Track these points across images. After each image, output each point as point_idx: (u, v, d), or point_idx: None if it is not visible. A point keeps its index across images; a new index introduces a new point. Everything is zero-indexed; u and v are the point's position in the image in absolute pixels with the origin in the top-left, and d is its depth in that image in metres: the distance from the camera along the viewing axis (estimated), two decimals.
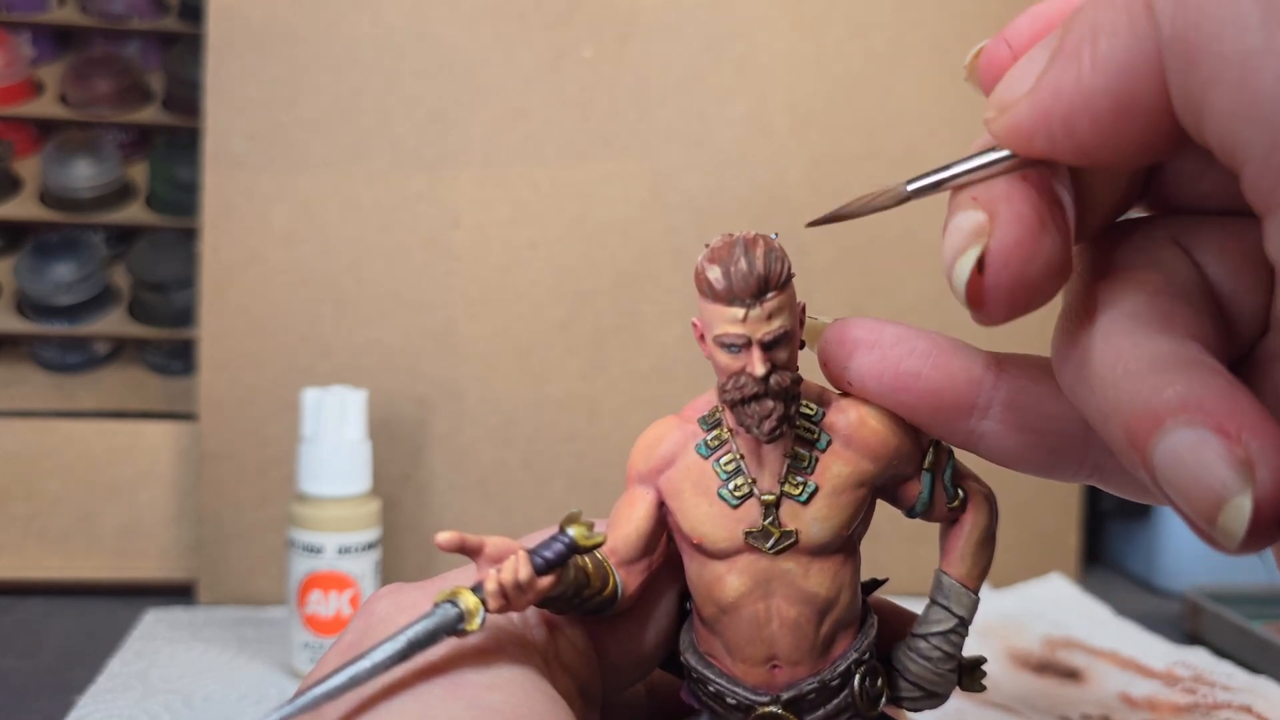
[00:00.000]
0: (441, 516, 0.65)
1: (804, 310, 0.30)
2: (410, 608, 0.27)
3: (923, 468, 0.31)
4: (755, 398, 0.28)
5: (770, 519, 0.29)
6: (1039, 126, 0.23)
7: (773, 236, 0.29)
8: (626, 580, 0.30)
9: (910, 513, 0.31)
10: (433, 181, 0.65)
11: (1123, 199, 0.27)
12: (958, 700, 0.50)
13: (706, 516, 0.29)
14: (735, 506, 0.29)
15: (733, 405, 0.29)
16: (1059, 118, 0.22)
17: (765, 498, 0.29)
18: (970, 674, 0.31)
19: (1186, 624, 0.63)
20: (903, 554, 0.69)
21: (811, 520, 0.29)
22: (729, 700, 0.30)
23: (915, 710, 0.32)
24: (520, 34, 0.65)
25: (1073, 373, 0.25)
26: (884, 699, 0.31)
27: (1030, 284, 0.25)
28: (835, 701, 0.30)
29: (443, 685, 0.26)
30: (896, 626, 0.32)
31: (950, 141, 0.69)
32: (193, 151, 0.69)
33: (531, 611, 0.29)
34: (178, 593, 0.65)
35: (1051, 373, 0.27)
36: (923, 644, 0.31)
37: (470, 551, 0.27)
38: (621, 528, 0.30)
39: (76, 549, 0.65)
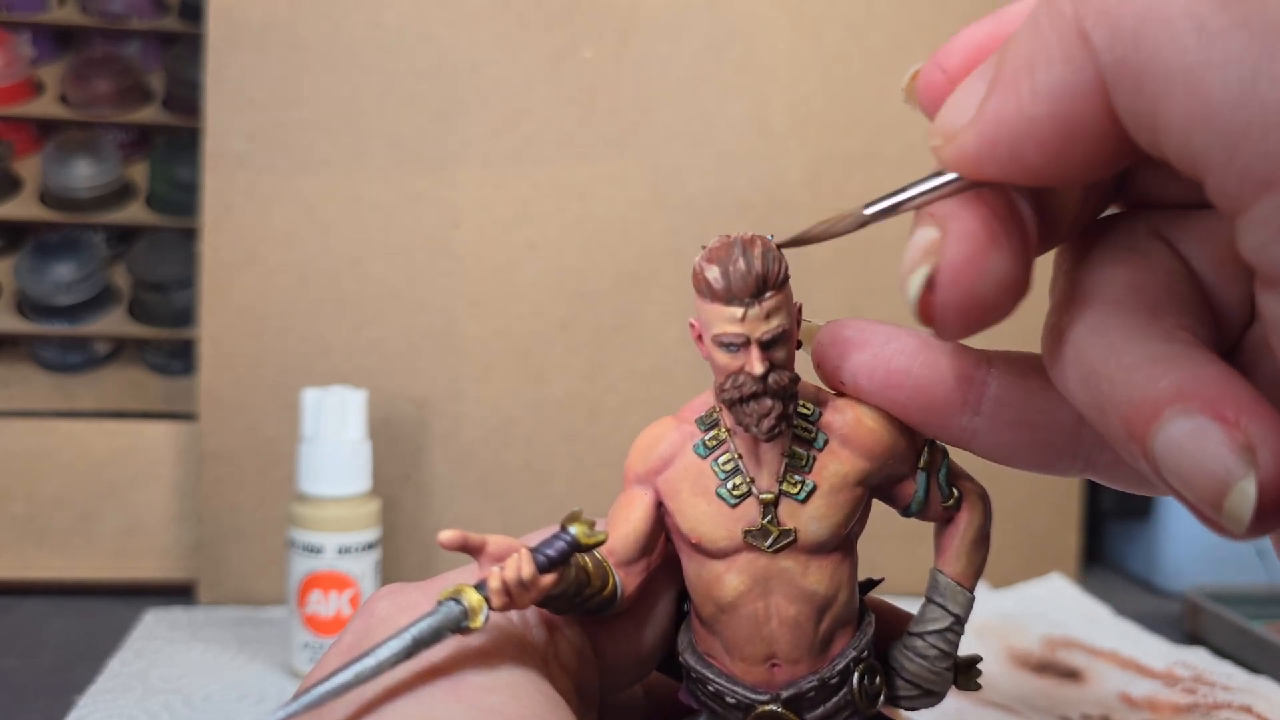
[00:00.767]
0: (441, 516, 0.65)
1: (800, 311, 0.30)
2: (411, 608, 0.27)
3: (918, 467, 0.30)
4: (754, 396, 0.28)
5: (769, 518, 0.29)
6: (986, 154, 0.23)
7: (769, 238, 0.29)
8: (625, 580, 0.30)
9: (906, 512, 0.31)
10: (433, 181, 0.65)
11: (1094, 205, 0.27)
12: (957, 700, 0.50)
13: (705, 516, 0.29)
14: (734, 505, 0.29)
15: (731, 404, 0.29)
16: (1005, 145, 0.23)
17: (764, 496, 0.29)
18: (966, 673, 0.32)
19: (1186, 624, 0.63)
20: (899, 553, 0.69)
21: (810, 519, 0.29)
22: (729, 699, 0.30)
23: (912, 709, 0.32)
24: (520, 34, 0.65)
25: (1065, 368, 0.25)
26: (882, 697, 0.31)
27: (982, 301, 0.25)
28: (834, 700, 0.30)
29: (444, 687, 0.26)
30: (893, 626, 0.32)
31: None
32: (193, 151, 0.69)
33: (531, 612, 0.29)
34: (178, 593, 0.65)
35: (1042, 368, 0.27)
36: (919, 643, 0.31)
37: (472, 550, 0.27)
38: (619, 528, 0.30)
39: (76, 549, 0.65)
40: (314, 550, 0.54)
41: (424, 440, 0.65)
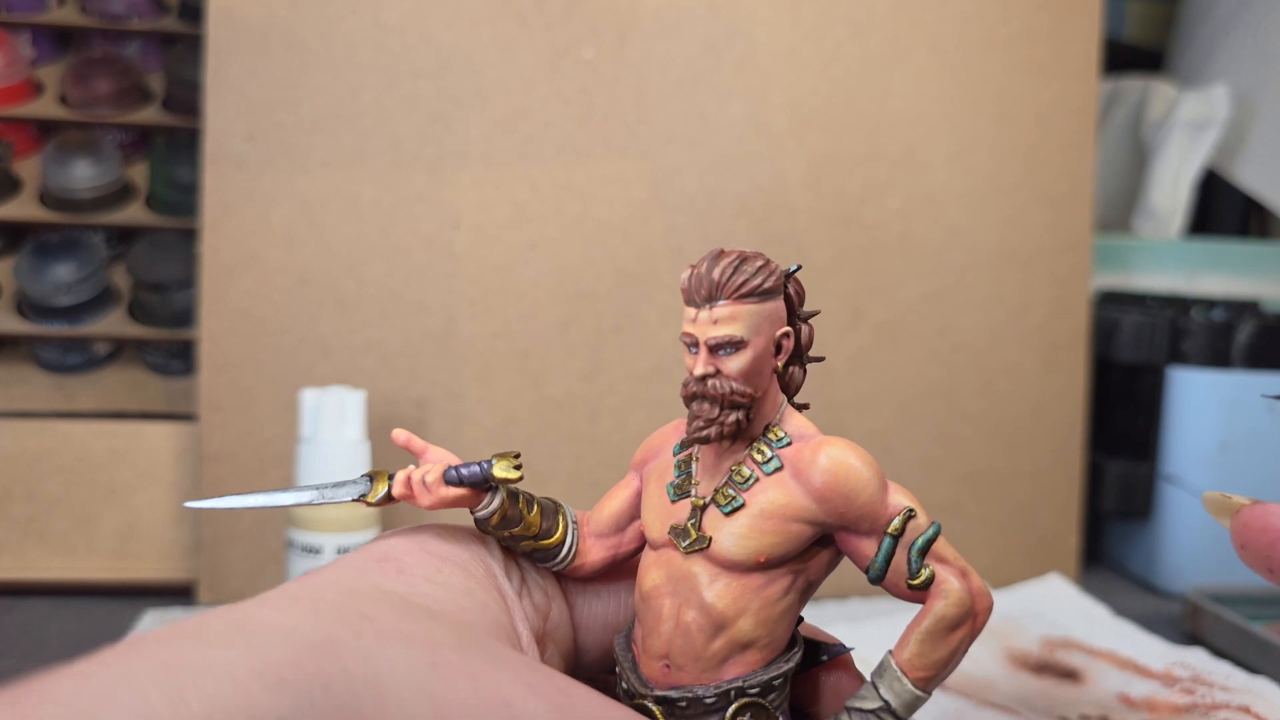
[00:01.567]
0: (441, 516, 0.65)
1: (790, 337, 0.31)
2: (399, 535, 0.33)
3: (886, 531, 0.30)
4: (695, 397, 0.29)
5: (693, 520, 0.30)
6: None
7: (793, 269, 0.31)
8: (588, 549, 0.33)
9: (868, 576, 0.30)
10: (433, 182, 0.65)
11: None
12: (957, 700, 0.50)
13: (652, 506, 0.31)
14: (674, 501, 0.31)
15: (685, 404, 0.30)
16: None
17: (696, 500, 0.30)
18: None
19: (1186, 624, 0.63)
20: None
21: (728, 534, 0.29)
22: (623, 684, 0.31)
23: None
24: (520, 34, 0.65)
25: None
26: None
27: None
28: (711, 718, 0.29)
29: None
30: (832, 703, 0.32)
31: (949, 141, 0.69)
32: (193, 152, 0.69)
33: (502, 563, 0.33)
34: (177, 593, 0.65)
35: None
36: (844, 715, 0.30)
37: (415, 451, 0.33)
38: (602, 503, 0.33)
39: (76, 550, 0.65)
40: (313, 550, 0.54)
41: (423, 440, 0.65)
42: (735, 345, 0.29)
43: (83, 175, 0.72)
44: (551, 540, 0.33)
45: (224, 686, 0.22)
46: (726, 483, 0.30)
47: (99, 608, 0.62)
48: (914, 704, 0.30)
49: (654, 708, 0.30)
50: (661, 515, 0.31)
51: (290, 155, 0.64)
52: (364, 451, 0.57)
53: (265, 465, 0.64)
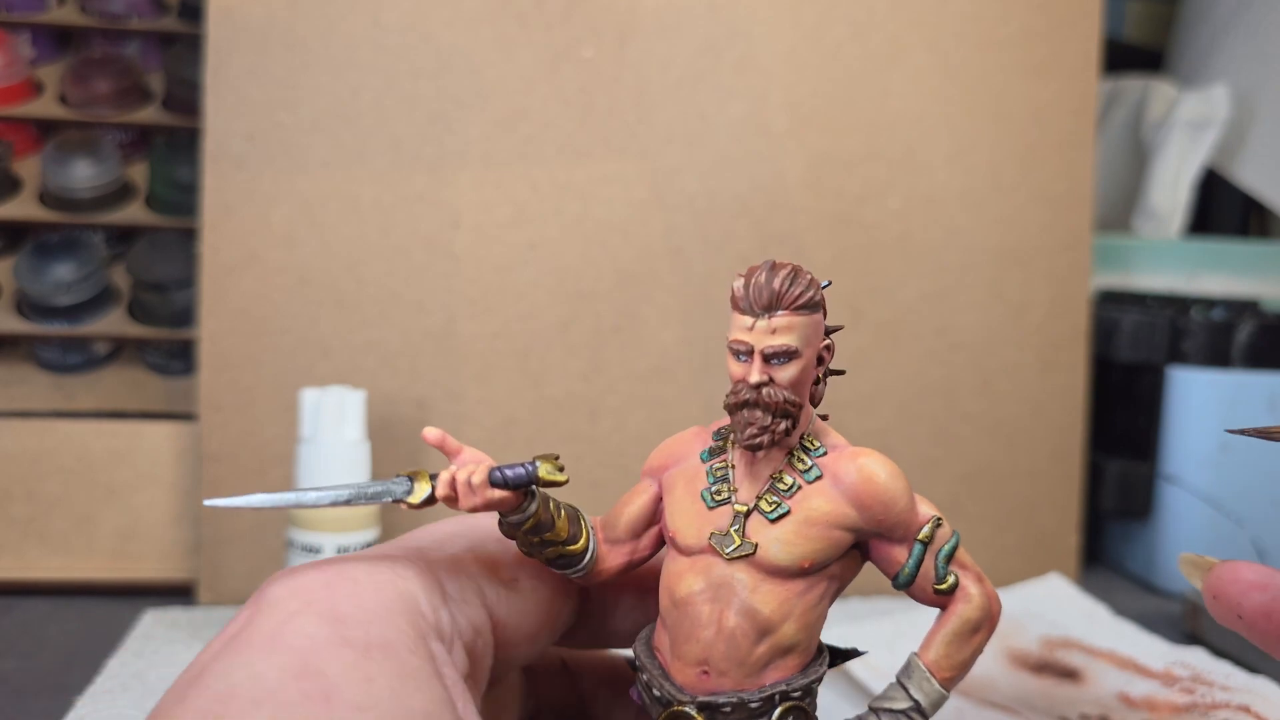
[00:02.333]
0: (440, 516, 0.65)
1: (830, 350, 0.32)
2: (304, 592, 0.28)
3: (916, 538, 0.31)
4: (747, 404, 0.30)
5: (736, 527, 0.30)
6: None
7: (824, 284, 0.32)
8: (605, 554, 0.33)
9: (895, 582, 0.32)
10: (433, 182, 0.65)
11: None
12: (957, 700, 0.50)
13: (684, 512, 0.31)
14: (711, 508, 0.31)
15: (730, 411, 0.30)
16: None
17: (738, 507, 0.30)
18: None
19: (1186, 624, 0.63)
20: None
21: (773, 540, 0.30)
22: (654, 691, 0.31)
23: None
24: (520, 34, 0.65)
25: None
26: None
27: None
28: None
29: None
30: None
31: (948, 141, 0.69)
32: (193, 151, 0.69)
33: (431, 593, 0.31)
34: (177, 593, 0.65)
35: None
36: (873, 717, 0.31)
37: (449, 452, 0.31)
38: (617, 509, 0.33)
39: (76, 550, 0.65)
40: (313, 550, 0.54)
41: (423, 441, 0.65)
42: (789, 355, 0.30)
43: (83, 175, 0.72)
44: (576, 547, 0.32)
45: None
46: (769, 490, 0.31)
47: (99, 608, 0.62)
48: (939, 703, 0.31)
49: (695, 714, 0.30)
50: (697, 522, 0.31)
51: (290, 155, 0.64)
52: (364, 451, 0.57)
53: (265, 465, 0.64)
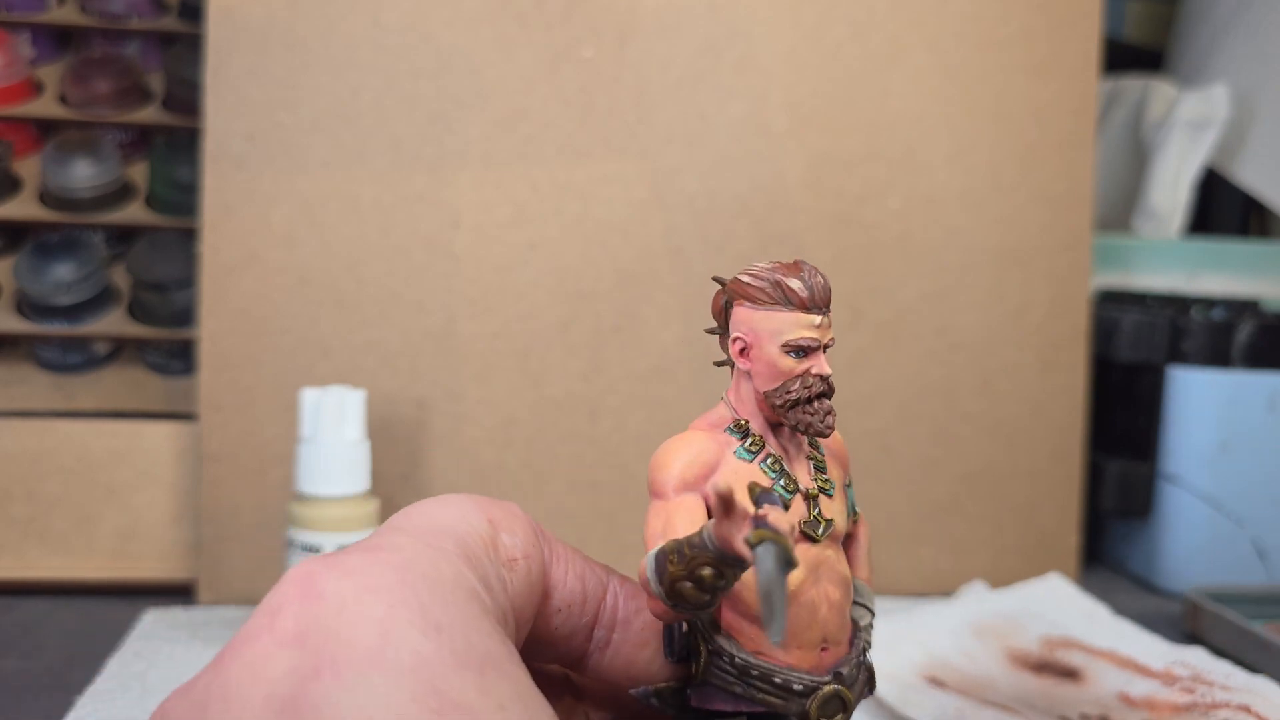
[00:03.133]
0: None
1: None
2: (375, 589, 0.25)
3: (846, 484, 0.35)
4: (821, 395, 0.32)
5: (816, 511, 0.32)
6: None
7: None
8: None
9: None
10: (433, 182, 0.65)
11: None
12: (957, 700, 0.50)
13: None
14: (789, 501, 0.32)
15: (794, 405, 0.32)
16: None
17: (811, 491, 0.33)
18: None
19: (1186, 624, 0.63)
20: (902, 554, 0.69)
21: (837, 512, 0.33)
22: (795, 687, 0.31)
23: None
24: (520, 34, 0.65)
25: None
26: None
27: None
28: (860, 675, 0.33)
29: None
30: None
31: (949, 141, 0.69)
32: (193, 151, 0.69)
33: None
34: (177, 593, 0.65)
35: None
36: (858, 638, 0.34)
37: (730, 507, 0.27)
38: (677, 528, 0.31)
39: (76, 549, 0.65)
40: (313, 550, 0.54)
41: (423, 440, 0.65)
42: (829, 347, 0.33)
43: (83, 175, 0.72)
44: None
45: None
46: (817, 470, 0.33)
47: (99, 607, 0.62)
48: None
49: (841, 689, 0.32)
50: (782, 517, 0.31)
51: (290, 155, 0.64)
52: (364, 451, 0.57)
53: (265, 465, 0.64)
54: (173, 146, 0.73)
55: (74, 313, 0.71)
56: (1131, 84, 0.93)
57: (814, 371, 0.32)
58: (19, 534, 0.64)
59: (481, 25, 0.65)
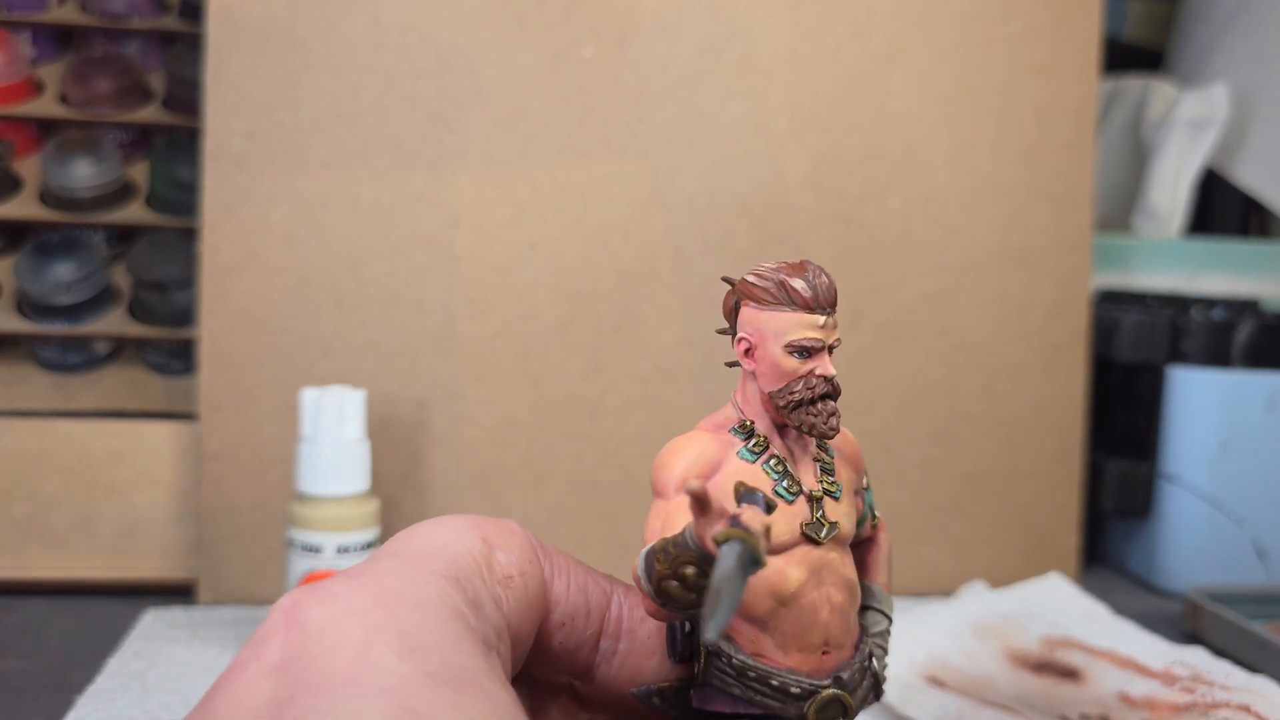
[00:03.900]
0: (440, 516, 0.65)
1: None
2: (355, 612, 0.25)
3: (864, 487, 0.35)
4: (825, 396, 0.32)
5: (819, 513, 0.32)
6: None
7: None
8: None
9: (860, 525, 0.35)
10: (433, 182, 0.65)
11: None
12: (957, 699, 0.50)
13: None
14: (790, 502, 0.32)
15: (797, 406, 0.32)
16: None
17: (815, 494, 0.32)
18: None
19: (1186, 624, 0.63)
20: (902, 554, 0.69)
21: (843, 514, 0.33)
22: (793, 690, 0.31)
23: None
24: (520, 34, 0.65)
25: None
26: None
27: None
28: (864, 680, 0.33)
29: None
30: None
31: (949, 141, 0.69)
32: (193, 151, 0.69)
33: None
34: (177, 593, 0.65)
35: None
36: (869, 644, 0.34)
37: (704, 505, 0.28)
38: (674, 527, 0.31)
39: (76, 549, 0.65)
40: (313, 550, 0.54)
41: (423, 440, 0.65)
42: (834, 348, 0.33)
43: (83, 174, 0.72)
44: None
45: None
46: (823, 472, 0.33)
47: (99, 607, 0.62)
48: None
49: (841, 694, 0.32)
50: (783, 518, 0.32)
51: (290, 155, 0.64)
52: (364, 451, 0.57)
53: (265, 465, 0.64)
54: (173, 146, 0.73)
55: (74, 312, 0.71)
56: (1131, 84, 0.93)
57: (818, 372, 0.32)
58: (19, 534, 0.64)
59: (481, 25, 0.65)
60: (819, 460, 0.33)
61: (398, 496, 0.65)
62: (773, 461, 0.32)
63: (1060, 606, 0.62)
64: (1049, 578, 0.66)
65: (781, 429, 0.33)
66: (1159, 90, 0.89)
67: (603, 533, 0.67)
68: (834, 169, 0.68)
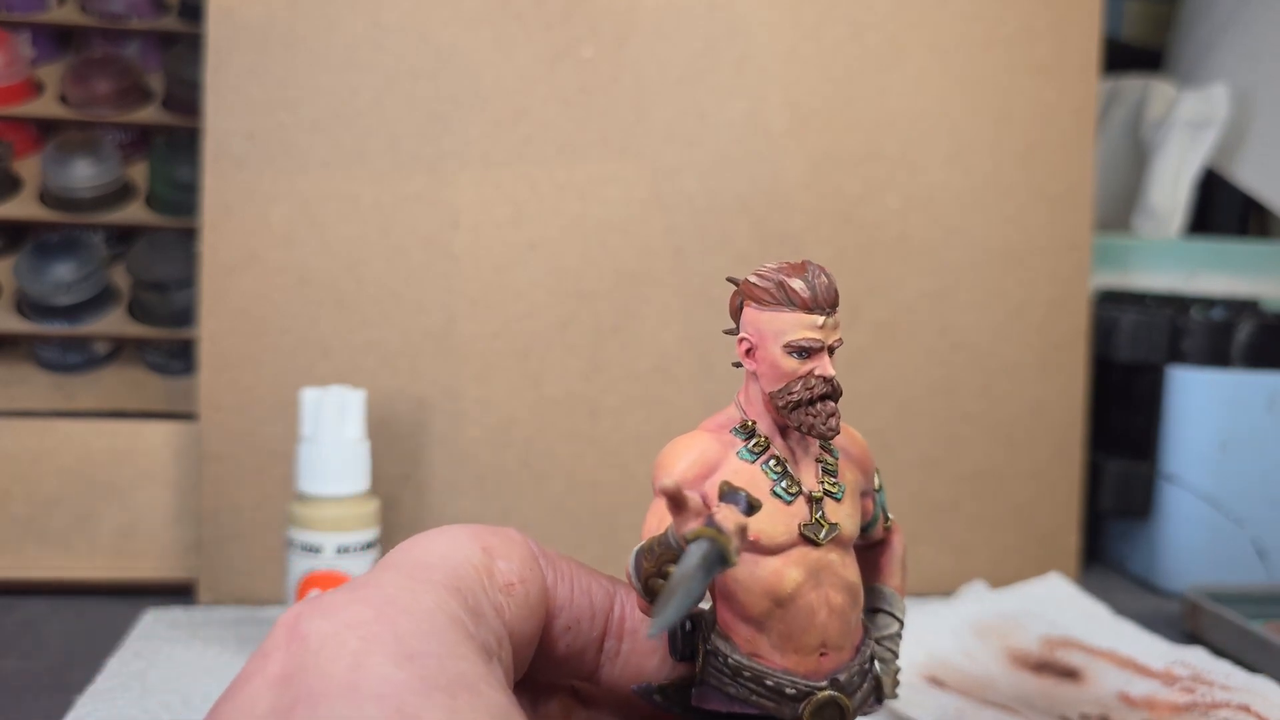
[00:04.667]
0: (440, 516, 0.65)
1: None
2: (356, 624, 0.26)
3: (876, 488, 0.35)
4: (824, 397, 0.32)
5: (819, 514, 0.32)
6: None
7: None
8: None
9: (869, 527, 0.35)
10: (432, 181, 0.65)
11: None
12: (957, 699, 0.50)
13: (764, 513, 0.31)
14: (789, 503, 0.32)
15: (796, 406, 0.32)
16: None
17: (816, 494, 0.32)
18: (893, 677, 0.35)
19: (1186, 624, 0.63)
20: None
21: (845, 516, 0.33)
22: (788, 691, 0.31)
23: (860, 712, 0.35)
24: (519, 34, 0.65)
25: None
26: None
27: None
28: (865, 683, 0.33)
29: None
30: None
31: (948, 141, 0.69)
32: (193, 151, 0.69)
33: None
34: (177, 593, 0.65)
35: None
36: (876, 647, 0.34)
37: (679, 504, 0.28)
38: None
39: (76, 549, 0.65)
40: (313, 550, 0.54)
41: (423, 440, 0.65)
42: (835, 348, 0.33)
43: (83, 175, 0.72)
44: None
45: None
46: (824, 473, 0.33)
47: (99, 607, 0.62)
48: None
49: (838, 696, 0.32)
50: (781, 519, 0.32)
51: (290, 155, 0.64)
52: (364, 451, 0.57)
53: (265, 465, 0.64)
54: (173, 146, 0.73)
55: (74, 313, 0.71)
56: (1131, 84, 0.93)
57: (817, 373, 0.32)
58: (19, 534, 0.64)
59: (480, 25, 0.65)
60: (821, 461, 0.33)
61: (398, 496, 0.65)
62: (772, 462, 0.32)
63: (1060, 606, 0.62)
64: (1049, 578, 0.66)
65: (784, 429, 0.33)
66: (1158, 90, 0.89)
67: (602, 533, 0.67)
68: (833, 169, 0.68)
